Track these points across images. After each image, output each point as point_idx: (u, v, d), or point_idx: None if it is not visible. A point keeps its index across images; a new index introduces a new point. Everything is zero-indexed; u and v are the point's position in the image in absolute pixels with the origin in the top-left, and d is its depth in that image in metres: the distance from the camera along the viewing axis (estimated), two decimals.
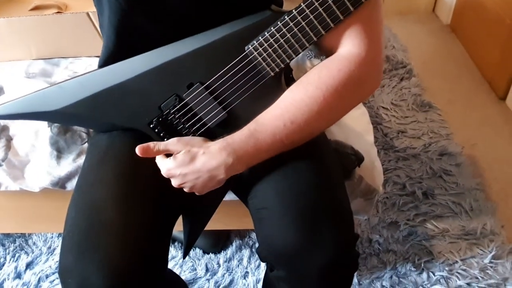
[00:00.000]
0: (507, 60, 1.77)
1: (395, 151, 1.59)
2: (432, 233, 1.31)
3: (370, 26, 0.62)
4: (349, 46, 0.63)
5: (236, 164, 0.65)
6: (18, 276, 1.23)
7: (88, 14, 1.17)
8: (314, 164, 0.71)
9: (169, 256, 1.01)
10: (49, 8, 1.28)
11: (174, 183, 0.69)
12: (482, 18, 1.99)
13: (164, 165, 0.67)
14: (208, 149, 0.65)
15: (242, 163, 0.66)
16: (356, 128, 1.09)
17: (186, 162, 0.65)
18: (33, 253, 1.30)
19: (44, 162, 1.00)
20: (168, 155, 0.68)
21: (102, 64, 0.76)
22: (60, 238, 1.33)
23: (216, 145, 0.65)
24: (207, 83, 0.68)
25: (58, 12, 1.24)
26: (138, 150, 0.67)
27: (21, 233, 1.36)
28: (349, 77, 0.63)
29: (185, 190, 0.70)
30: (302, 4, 0.58)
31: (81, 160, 1.00)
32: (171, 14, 0.67)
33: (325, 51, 0.68)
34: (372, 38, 0.63)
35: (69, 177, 1.00)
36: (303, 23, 0.59)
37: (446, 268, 1.21)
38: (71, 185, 1.01)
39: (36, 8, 1.28)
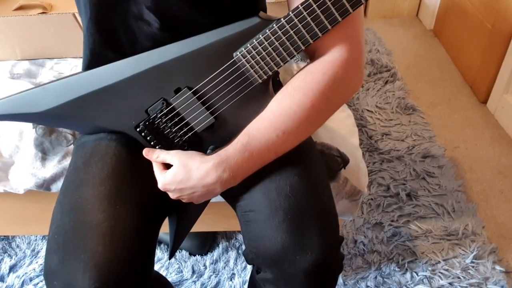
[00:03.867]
0: (488, 64, 1.81)
1: (379, 153, 1.61)
2: (416, 234, 1.33)
3: (351, 28, 0.63)
4: (332, 49, 0.63)
5: (231, 178, 0.67)
6: (1, 279, 1.22)
7: (74, 15, 1.16)
8: (300, 167, 0.72)
9: (155, 258, 1.01)
10: (34, 8, 1.27)
11: (172, 196, 0.72)
12: (464, 23, 2.04)
13: (161, 179, 0.71)
14: (203, 165, 0.67)
15: (237, 177, 0.68)
16: (341, 130, 1.10)
17: (181, 178, 0.68)
18: (16, 256, 1.28)
19: (28, 163, 0.99)
20: (168, 165, 0.71)
21: (86, 67, 0.75)
22: (44, 241, 1.32)
23: (210, 162, 0.67)
24: (195, 88, 0.68)
25: (43, 13, 1.23)
26: (145, 151, 0.73)
27: (4, 236, 1.34)
28: (334, 79, 0.63)
29: (183, 201, 0.73)
30: (290, 13, 0.58)
31: (66, 162, 0.99)
32: (155, 15, 0.67)
33: (308, 53, 0.69)
34: (354, 40, 0.64)
35: (54, 178, 0.99)
36: (291, 31, 0.59)
37: (429, 268, 1.24)
38: (56, 187, 1.00)
39: (20, 8, 1.26)
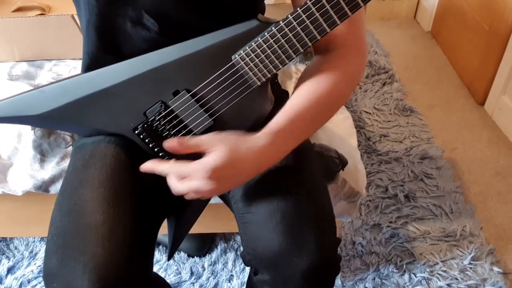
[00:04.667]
0: (486, 66, 1.82)
1: (377, 154, 1.62)
2: (414, 235, 1.34)
3: (354, 23, 0.67)
4: (342, 43, 0.68)
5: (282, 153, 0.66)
6: None
7: (72, 17, 1.16)
8: (298, 169, 0.72)
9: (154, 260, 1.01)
10: (32, 9, 1.27)
11: (205, 188, 0.62)
12: (461, 25, 2.04)
13: (202, 169, 0.61)
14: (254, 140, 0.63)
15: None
16: (339, 132, 1.11)
17: (227, 161, 0.61)
18: (14, 257, 1.28)
19: (27, 165, 0.99)
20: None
21: (85, 70, 0.75)
22: (43, 243, 1.31)
23: (262, 140, 0.62)
24: (194, 90, 0.68)
25: (41, 14, 1.23)
26: (168, 147, 0.64)
27: (2, 237, 1.34)
28: (351, 71, 0.69)
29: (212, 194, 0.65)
30: (289, 16, 0.59)
31: (65, 164, 0.99)
32: (153, 18, 0.67)
33: (316, 48, 0.71)
34: (357, 33, 0.69)
35: (52, 180, 0.99)
36: (290, 34, 0.60)
37: (427, 270, 1.24)
38: (55, 188, 1.00)
39: (18, 9, 1.26)
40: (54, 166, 0.99)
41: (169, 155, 0.75)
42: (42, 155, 1.00)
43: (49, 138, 1.00)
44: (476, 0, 1.90)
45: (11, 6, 1.26)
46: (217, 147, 0.61)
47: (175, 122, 0.71)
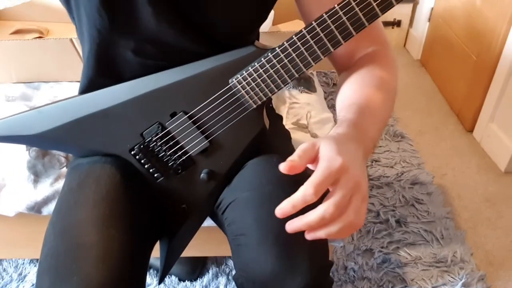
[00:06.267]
0: (474, 95, 1.87)
1: (369, 179, 1.63)
2: (405, 261, 1.34)
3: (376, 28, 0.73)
4: (374, 47, 0.73)
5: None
6: None
7: (71, 40, 1.18)
8: (291, 192, 0.73)
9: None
10: (30, 32, 1.29)
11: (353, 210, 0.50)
12: (450, 54, 2.10)
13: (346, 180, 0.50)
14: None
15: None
16: None
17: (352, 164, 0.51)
18: (3, 279, 1.26)
19: (20, 186, 0.99)
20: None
21: (83, 92, 0.77)
22: (32, 265, 1.29)
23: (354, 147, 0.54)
24: (191, 112, 0.70)
25: (39, 37, 1.25)
26: (284, 169, 0.52)
27: None
28: (387, 62, 0.74)
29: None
30: (285, 42, 0.61)
31: (59, 185, 0.99)
32: (155, 47, 0.69)
33: (339, 58, 0.74)
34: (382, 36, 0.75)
35: (45, 201, 0.99)
36: (285, 60, 0.62)
37: None
38: (47, 209, 1.00)
39: (17, 32, 1.28)
40: (47, 187, 0.99)
41: (164, 177, 0.76)
42: (36, 176, 1.00)
43: (43, 159, 1.01)
44: (464, 31, 1.97)
45: (9, 29, 1.28)
46: (331, 159, 0.51)
47: (171, 143, 0.72)
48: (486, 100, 1.79)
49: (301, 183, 0.76)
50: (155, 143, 0.73)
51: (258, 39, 0.79)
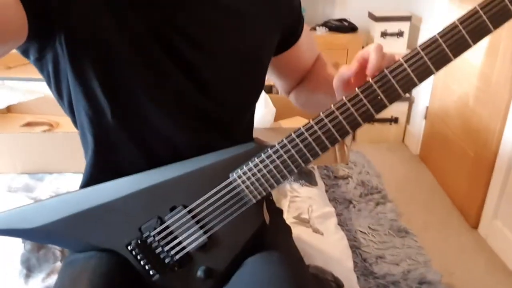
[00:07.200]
0: (475, 191, 1.86)
1: (374, 277, 1.57)
2: None
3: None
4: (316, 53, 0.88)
5: None
6: None
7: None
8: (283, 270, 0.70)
9: None
10: (40, 125, 1.34)
11: None
12: (447, 150, 2.14)
13: None
14: None
15: None
16: (335, 253, 1.09)
17: None
18: None
19: (11, 281, 0.95)
20: None
21: (84, 186, 0.78)
22: None
23: None
24: (190, 206, 0.69)
25: (48, 130, 1.30)
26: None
27: None
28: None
29: None
30: (284, 139, 0.63)
31: (51, 280, 0.95)
32: (156, 144, 0.72)
33: (295, 74, 0.88)
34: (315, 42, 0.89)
35: None
36: (285, 156, 0.64)
37: None
38: None
39: (28, 124, 1.33)
40: (39, 283, 0.95)
41: (159, 274, 0.73)
42: (29, 270, 0.97)
43: (38, 253, 0.98)
44: (460, 128, 2.03)
45: (21, 121, 1.33)
46: None
47: (169, 238, 0.71)
48: (488, 197, 1.79)
49: (304, 285, 0.73)
50: (153, 238, 0.72)
51: (253, 125, 0.83)
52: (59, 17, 0.59)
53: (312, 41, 0.88)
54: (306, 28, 0.83)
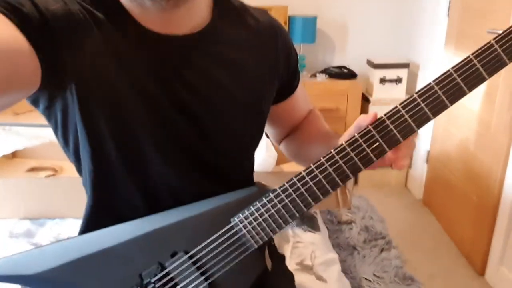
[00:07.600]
0: (480, 237, 1.83)
1: None
2: None
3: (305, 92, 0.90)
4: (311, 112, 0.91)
5: None
6: None
7: None
8: None
9: None
10: (44, 170, 1.35)
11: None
12: (451, 195, 2.13)
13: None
14: None
15: None
16: None
17: None
18: None
19: None
20: None
21: (83, 231, 0.77)
22: None
23: None
24: (191, 252, 0.69)
25: (52, 175, 1.31)
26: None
27: None
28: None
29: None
30: (285, 183, 0.64)
31: None
32: (158, 190, 0.72)
33: (288, 123, 0.90)
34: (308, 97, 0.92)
35: None
36: (286, 200, 0.64)
37: None
38: None
39: (32, 169, 1.34)
40: None
41: None
42: None
43: None
44: (461, 173, 2.03)
45: (25, 166, 1.34)
46: None
47: (170, 285, 0.70)
48: (493, 244, 1.76)
49: None
50: (153, 284, 0.70)
51: (253, 171, 0.83)
52: (72, 69, 0.61)
53: (306, 95, 0.92)
54: (300, 82, 0.88)
